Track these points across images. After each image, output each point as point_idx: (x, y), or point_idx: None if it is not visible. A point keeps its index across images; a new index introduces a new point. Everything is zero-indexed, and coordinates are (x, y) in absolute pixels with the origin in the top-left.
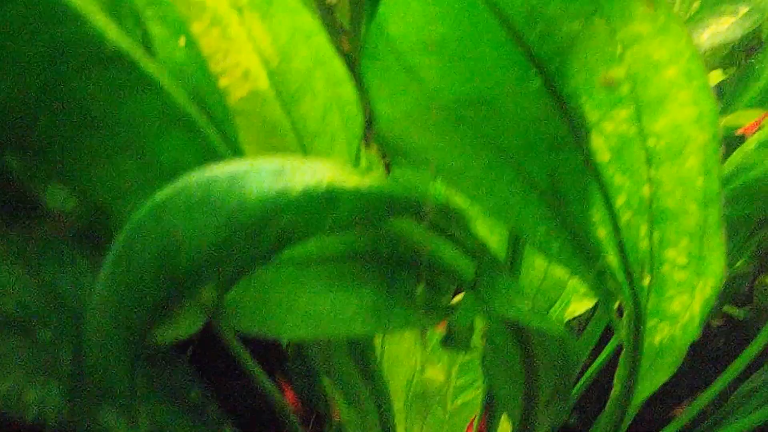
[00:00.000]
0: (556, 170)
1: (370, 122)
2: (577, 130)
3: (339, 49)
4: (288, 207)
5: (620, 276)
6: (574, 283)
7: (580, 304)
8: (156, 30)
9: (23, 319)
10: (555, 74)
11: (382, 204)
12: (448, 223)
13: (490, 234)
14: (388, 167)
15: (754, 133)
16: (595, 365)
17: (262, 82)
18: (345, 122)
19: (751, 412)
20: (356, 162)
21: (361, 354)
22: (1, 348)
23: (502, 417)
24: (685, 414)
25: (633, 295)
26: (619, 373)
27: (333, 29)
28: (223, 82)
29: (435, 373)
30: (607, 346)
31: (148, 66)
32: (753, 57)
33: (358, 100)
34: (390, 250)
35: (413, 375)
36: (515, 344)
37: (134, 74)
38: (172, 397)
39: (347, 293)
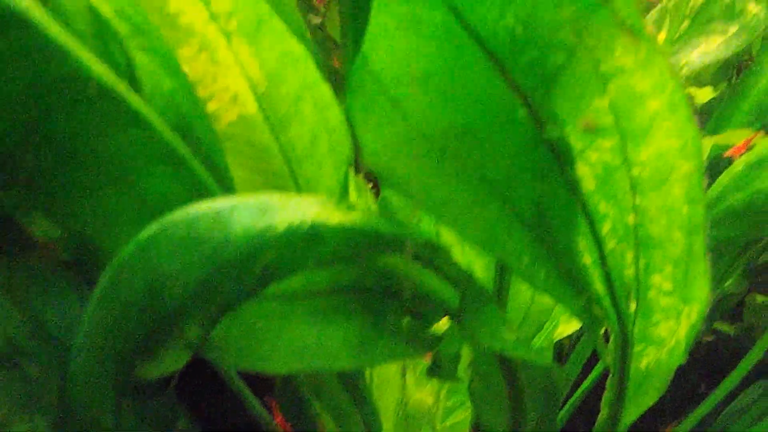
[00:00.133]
0: (541, 199)
1: (358, 146)
2: (562, 159)
3: (330, 66)
4: (272, 244)
5: (606, 302)
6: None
7: (568, 325)
8: (142, 59)
9: (10, 353)
10: (539, 104)
11: (367, 241)
12: (434, 255)
13: (477, 258)
14: (376, 192)
15: (742, 154)
16: (582, 389)
17: (251, 107)
18: (333, 147)
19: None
20: (344, 186)
21: (350, 377)
22: None
23: None
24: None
25: (619, 321)
26: (607, 396)
27: (323, 44)
28: (212, 107)
29: (424, 395)
30: (594, 369)
31: (134, 101)
32: (743, 74)
33: (346, 125)
34: (375, 282)
35: (402, 397)
36: (501, 372)
37: (120, 109)
38: (158, 428)
39: (333, 327)
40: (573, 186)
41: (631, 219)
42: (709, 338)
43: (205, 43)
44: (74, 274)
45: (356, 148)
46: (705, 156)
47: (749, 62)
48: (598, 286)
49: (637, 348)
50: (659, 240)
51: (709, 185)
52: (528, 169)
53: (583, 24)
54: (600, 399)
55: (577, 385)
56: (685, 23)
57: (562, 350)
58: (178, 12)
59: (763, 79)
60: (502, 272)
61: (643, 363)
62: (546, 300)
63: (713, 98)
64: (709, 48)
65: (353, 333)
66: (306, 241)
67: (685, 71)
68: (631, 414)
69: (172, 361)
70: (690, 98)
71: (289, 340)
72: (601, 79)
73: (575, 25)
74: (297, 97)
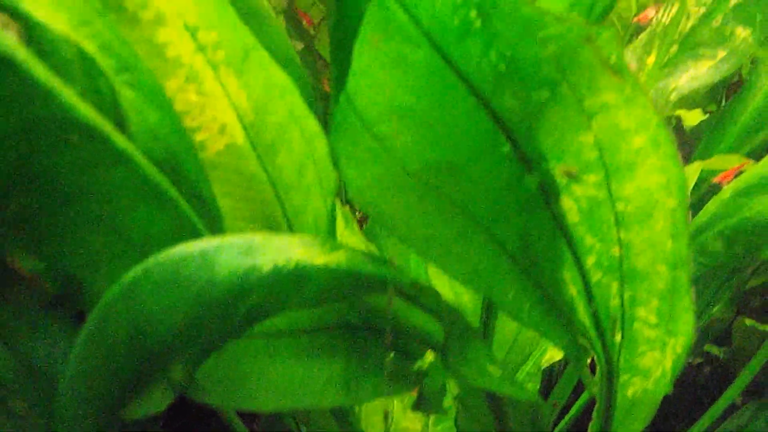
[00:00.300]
0: (526, 232)
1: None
2: (547, 193)
3: (320, 90)
4: (257, 285)
5: (592, 333)
6: None
7: (557, 351)
8: (128, 94)
9: None
10: (524, 140)
11: (351, 282)
12: (418, 293)
13: (465, 288)
14: (361, 223)
15: (730, 181)
16: (570, 414)
17: (239, 136)
18: (320, 178)
19: None
20: (332, 217)
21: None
22: None
23: None
24: None
25: (605, 351)
26: (593, 426)
27: (313, 66)
28: (199, 137)
29: (412, 422)
30: (583, 393)
31: (119, 140)
32: (732, 98)
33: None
34: (360, 319)
35: (390, 423)
36: (488, 406)
37: (105, 148)
38: None
39: (318, 364)
40: (558, 219)
41: (616, 252)
42: (700, 360)
43: (192, 74)
44: (60, 309)
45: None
46: (694, 180)
47: (739, 83)
48: (584, 317)
49: (623, 378)
50: (644, 273)
51: (698, 211)
52: (513, 204)
53: (566, 61)
54: (588, 423)
55: (567, 407)
56: (674, 47)
57: (552, 373)
58: (165, 43)
59: (752, 103)
60: (490, 301)
61: (630, 392)
62: None
63: (703, 120)
64: (699, 72)
65: (338, 371)
66: (291, 282)
67: (673, 96)
68: None
69: (157, 401)
70: (679, 120)
71: (274, 379)
72: (586, 115)
73: (559, 62)
74: (284, 127)
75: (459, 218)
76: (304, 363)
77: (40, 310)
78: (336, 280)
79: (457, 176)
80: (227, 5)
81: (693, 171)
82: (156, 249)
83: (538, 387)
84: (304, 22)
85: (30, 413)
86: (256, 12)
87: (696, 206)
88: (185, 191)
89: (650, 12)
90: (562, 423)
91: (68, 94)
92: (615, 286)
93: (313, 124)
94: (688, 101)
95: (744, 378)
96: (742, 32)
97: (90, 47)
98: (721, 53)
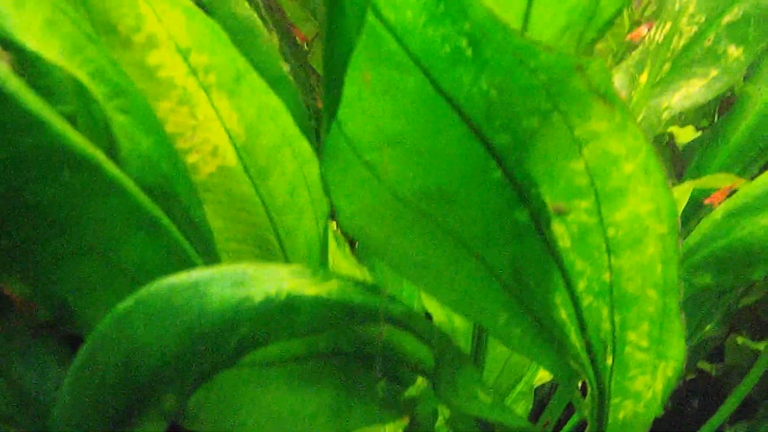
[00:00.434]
0: (517, 257)
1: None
2: (538, 219)
3: (314, 107)
4: (249, 316)
5: (583, 356)
6: None
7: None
8: (121, 119)
9: None
10: (515, 166)
11: (342, 312)
12: (410, 321)
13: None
14: (353, 243)
15: (722, 202)
16: None
17: (231, 158)
18: (312, 200)
19: None
20: (324, 240)
21: None
22: None
23: None
24: None
25: (596, 374)
26: None
27: (307, 82)
28: (192, 159)
29: None
30: (573, 415)
31: (111, 169)
32: (724, 116)
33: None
34: (351, 347)
35: None
36: (479, 430)
37: (98, 178)
38: None
39: (308, 392)
40: (549, 244)
41: (606, 277)
42: (693, 376)
43: (185, 96)
44: (53, 336)
45: None
46: (685, 201)
47: (732, 98)
48: (575, 341)
49: (614, 401)
50: (634, 298)
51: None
52: (504, 230)
53: (557, 90)
54: None
55: (559, 426)
56: (667, 66)
57: (544, 390)
58: (158, 65)
59: (743, 121)
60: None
61: (621, 415)
62: None
63: (695, 138)
64: (691, 91)
65: (329, 398)
66: (282, 313)
67: (666, 115)
68: None
69: (149, 430)
70: (672, 137)
71: (265, 407)
72: (576, 142)
73: (549, 90)
74: (276, 149)
75: (450, 245)
76: (295, 391)
77: (31, 336)
78: (327, 310)
79: (448, 203)
80: (219, 28)
81: (684, 192)
82: (149, 277)
83: (530, 407)
84: (298, 39)
85: None
86: (249, 30)
87: (686, 219)
88: (177, 216)
89: (643, 30)
90: None
91: (60, 124)
92: (606, 311)
93: (305, 147)
94: (680, 116)
95: (737, 396)
96: (735, 51)
97: (82, 74)
98: (714, 72)
